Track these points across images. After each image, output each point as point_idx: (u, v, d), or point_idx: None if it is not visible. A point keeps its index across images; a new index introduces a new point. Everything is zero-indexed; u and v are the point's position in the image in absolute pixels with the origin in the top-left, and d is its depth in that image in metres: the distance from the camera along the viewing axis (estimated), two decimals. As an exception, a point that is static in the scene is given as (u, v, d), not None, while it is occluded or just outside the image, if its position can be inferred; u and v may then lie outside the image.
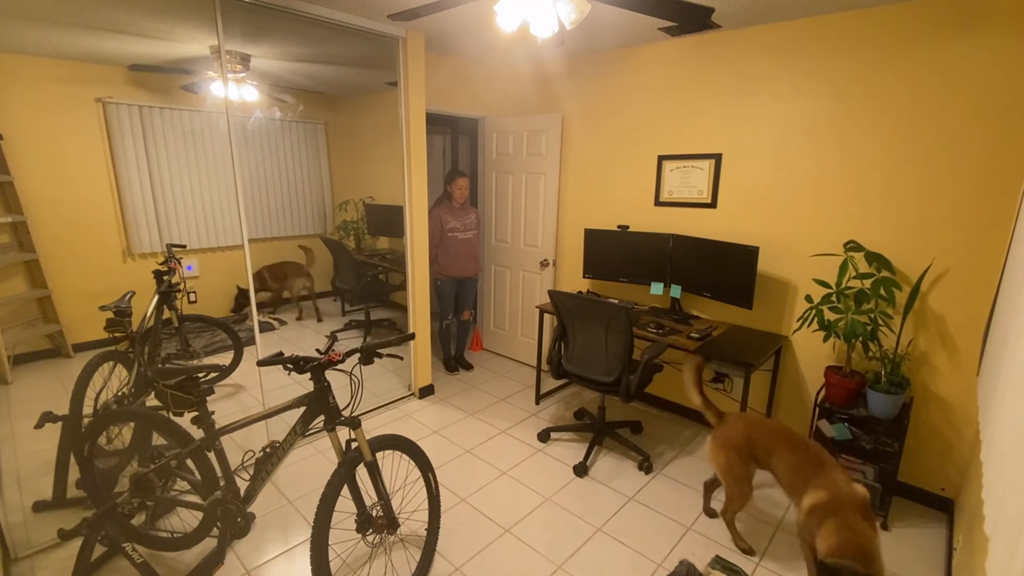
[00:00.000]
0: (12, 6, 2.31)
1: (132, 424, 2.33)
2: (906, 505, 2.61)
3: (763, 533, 2.39)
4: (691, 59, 3.09)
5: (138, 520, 2.13)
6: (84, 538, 1.89)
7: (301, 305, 4.30)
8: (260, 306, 3.21)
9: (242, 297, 2.45)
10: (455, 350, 4.26)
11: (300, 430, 1.92)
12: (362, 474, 1.97)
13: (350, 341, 4.27)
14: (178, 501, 2.08)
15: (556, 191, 3.89)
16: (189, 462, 1.98)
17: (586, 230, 3.54)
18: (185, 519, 2.28)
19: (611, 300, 2.84)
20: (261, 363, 1.83)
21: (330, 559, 1.76)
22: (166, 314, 2.73)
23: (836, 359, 2.78)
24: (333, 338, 3.54)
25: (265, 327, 3.93)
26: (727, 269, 2.91)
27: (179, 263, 2.85)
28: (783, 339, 2.92)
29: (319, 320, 4.35)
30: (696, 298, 3.31)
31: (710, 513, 2.49)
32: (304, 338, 4.13)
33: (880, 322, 2.45)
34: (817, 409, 2.58)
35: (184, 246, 3.08)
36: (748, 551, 2.25)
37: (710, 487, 2.52)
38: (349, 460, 1.83)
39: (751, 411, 2.30)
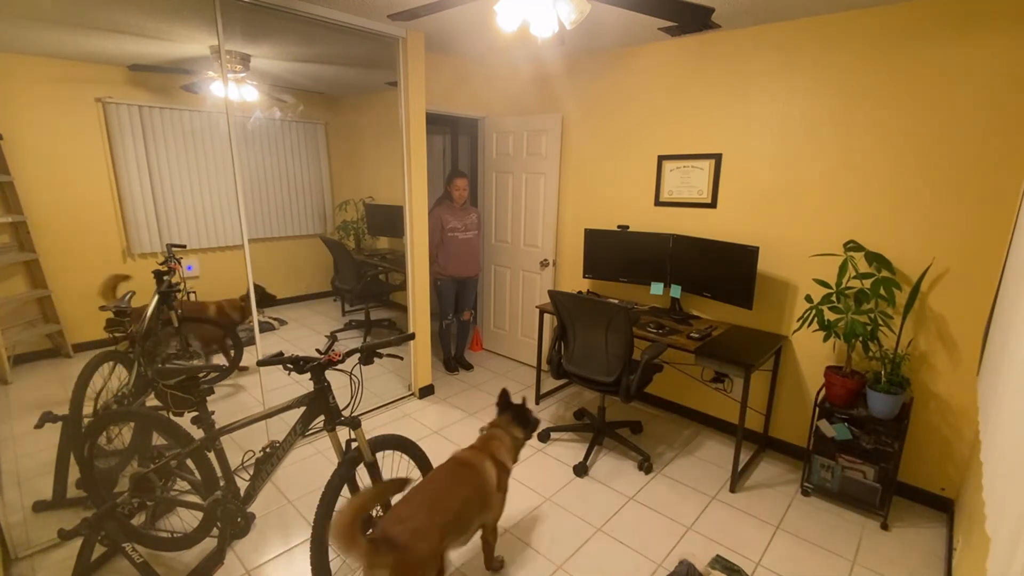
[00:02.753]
0: (12, 6, 2.31)
1: (132, 424, 2.33)
2: (906, 505, 2.61)
3: (763, 533, 2.39)
4: (691, 59, 3.09)
5: (138, 520, 2.13)
6: (84, 538, 1.89)
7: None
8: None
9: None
10: (455, 350, 4.26)
11: (300, 430, 1.92)
12: (362, 474, 1.97)
13: (350, 341, 4.27)
14: (178, 501, 2.08)
15: (556, 191, 3.89)
16: (189, 462, 1.98)
17: (586, 230, 3.54)
18: (185, 519, 2.28)
19: (611, 300, 2.84)
20: (261, 363, 1.83)
21: (330, 559, 1.76)
22: (166, 314, 2.73)
23: (836, 359, 2.78)
24: (333, 338, 3.54)
25: (265, 327, 3.93)
26: (727, 269, 2.91)
27: (179, 263, 2.85)
28: (783, 339, 2.92)
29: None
30: (696, 298, 3.31)
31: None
32: (304, 338, 4.13)
33: (880, 322, 2.45)
34: (817, 409, 2.58)
35: (184, 246, 3.08)
36: None
37: None
38: (349, 460, 1.83)
39: (405, 498, 1.69)
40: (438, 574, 1.63)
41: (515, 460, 2.09)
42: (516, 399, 2.24)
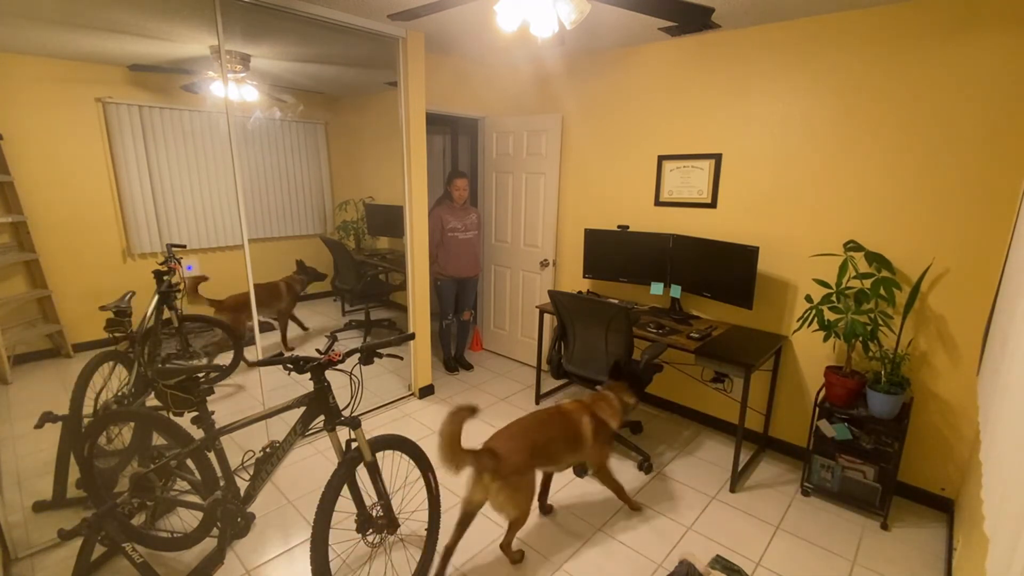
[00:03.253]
0: (12, 6, 2.31)
1: (132, 424, 2.33)
2: (906, 505, 2.61)
3: (763, 533, 2.39)
4: (691, 59, 3.09)
5: (138, 520, 2.13)
6: (84, 538, 1.89)
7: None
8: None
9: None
10: (455, 350, 4.26)
11: (300, 430, 1.92)
12: (362, 474, 1.96)
13: (350, 341, 4.27)
14: (178, 501, 2.08)
15: (556, 191, 3.89)
16: (189, 462, 1.98)
17: (586, 230, 3.54)
18: (185, 519, 2.28)
19: (611, 300, 2.84)
20: (261, 363, 1.83)
21: (330, 559, 1.76)
22: (166, 314, 2.73)
23: (836, 359, 2.78)
24: (333, 338, 3.53)
25: (265, 327, 3.93)
26: (727, 269, 2.91)
27: (179, 263, 2.85)
28: (783, 339, 2.92)
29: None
30: (696, 298, 3.31)
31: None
32: (304, 338, 4.13)
33: (880, 322, 2.45)
34: (817, 409, 2.58)
35: (184, 246, 3.08)
36: (521, 558, 2.20)
37: (452, 549, 2.11)
38: (349, 460, 1.83)
39: (504, 427, 2.18)
40: (530, 483, 2.09)
41: (620, 422, 2.39)
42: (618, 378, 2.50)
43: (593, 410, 2.34)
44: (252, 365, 1.84)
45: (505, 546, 2.19)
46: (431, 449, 3.04)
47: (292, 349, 3.94)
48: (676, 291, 3.21)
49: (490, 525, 2.40)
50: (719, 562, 2.18)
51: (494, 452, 2.00)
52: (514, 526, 2.13)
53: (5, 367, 2.48)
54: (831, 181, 2.68)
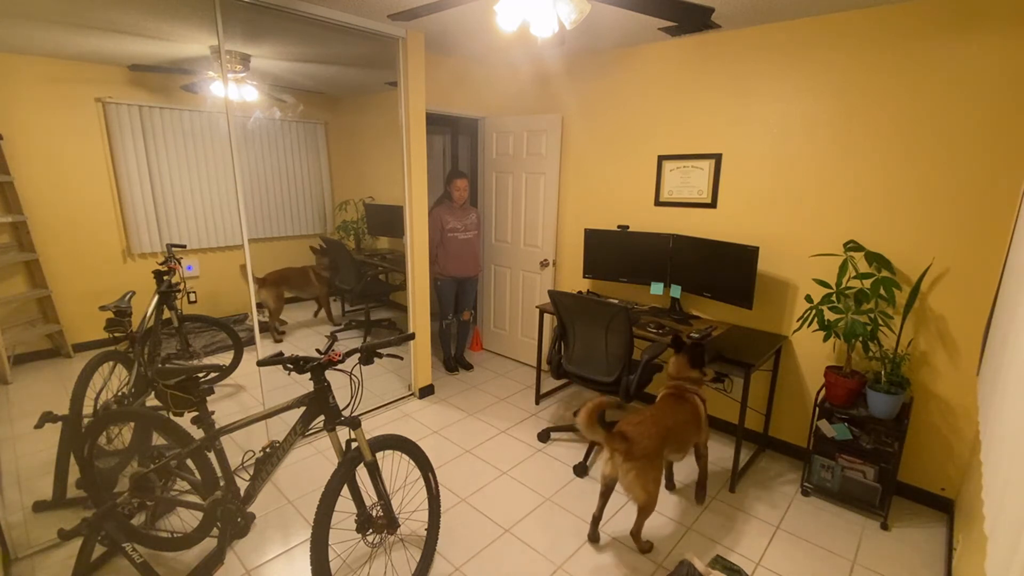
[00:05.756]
0: (12, 6, 2.31)
1: (132, 424, 2.33)
2: (906, 505, 2.61)
3: (763, 533, 2.39)
4: (691, 59, 3.09)
5: (138, 520, 2.13)
6: (84, 538, 1.90)
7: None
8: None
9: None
10: (455, 350, 4.26)
11: (300, 430, 1.92)
12: (362, 474, 1.97)
13: (350, 341, 4.27)
14: (178, 501, 2.08)
15: (556, 191, 3.89)
16: (189, 462, 1.98)
17: (586, 230, 3.54)
18: (185, 519, 2.28)
19: (611, 300, 2.84)
20: (261, 363, 1.83)
21: (330, 559, 1.76)
22: (166, 314, 2.74)
23: (836, 359, 2.78)
24: (333, 338, 3.53)
25: (265, 327, 3.93)
26: (727, 269, 2.91)
27: (179, 263, 2.85)
28: (783, 339, 2.92)
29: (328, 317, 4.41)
30: (696, 298, 3.31)
31: (596, 538, 2.32)
32: (304, 338, 4.13)
33: (880, 322, 2.45)
34: (817, 409, 2.58)
35: (184, 246, 3.08)
36: (650, 548, 2.27)
37: (599, 517, 2.30)
38: (349, 460, 1.83)
39: (635, 413, 2.30)
40: (659, 469, 2.18)
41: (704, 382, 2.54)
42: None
43: (696, 390, 2.45)
44: (259, 364, 1.84)
45: (634, 534, 2.24)
46: (431, 449, 3.04)
47: (338, 326, 4.41)
48: (676, 291, 3.21)
49: (489, 524, 2.40)
50: (719, 562, 2.18)
51: (625, 435, 2.12)
52: (642, 512, 2.19)
53: (5, 367, 2.48)
54: (831, 181, 2.68)
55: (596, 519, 2.31)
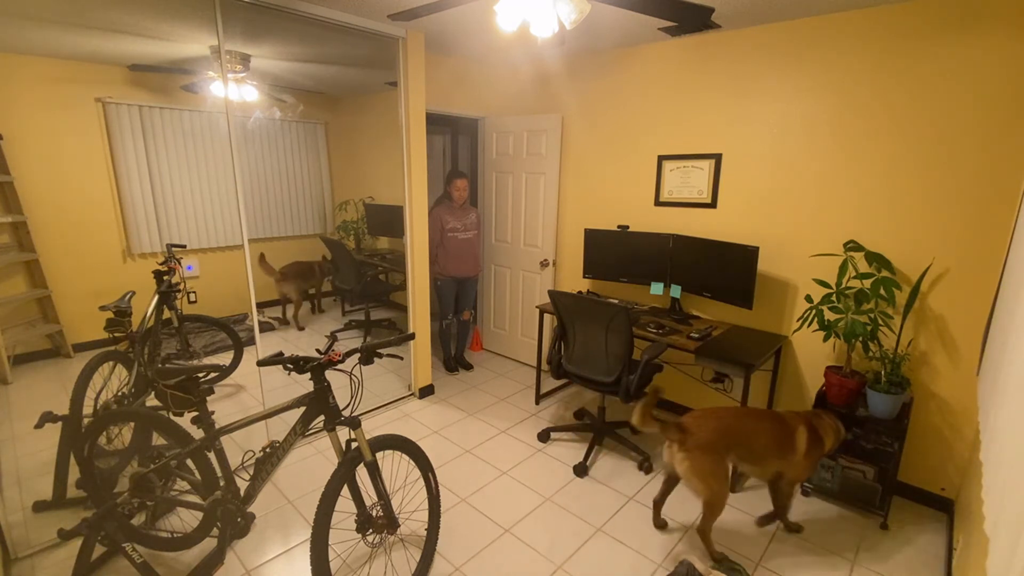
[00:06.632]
0: (12, 6, 2.31)
1: (132, 424, 2.33)
2: (906, 505, 2.61)
3: (763, 533, 2.39)
4: (691, 59, 3.09)
5: (138, 520, 2.13)
6: (84, 538, 1.89)
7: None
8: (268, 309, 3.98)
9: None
10: (455, 350, 4.26)
11: (300, 430, 1.92)
12: (362, 474, 1.97)
13: (350, 341, 4.27)
14: (178, 501, 2.08)
15: (556, 191, 3.89)
16: (189, 462, 1.98)
17: (586, 230, 3.54)
18: (185, 519, 2.28)
19: (611, 300, 2.84)
20: (261, 363, 1.83)
21: (330, 559, 1.76)
22: (166, 314, 2.73)
23: (836, 359, 2.78)
24: (333, 338, 3.53)
25: (265, 327, 3.93)
26: (727, 269, 2.91)
27: (179, 263, 2.85)
28: (783, 339, 2.92)
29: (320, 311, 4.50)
30: (696, 298, 3.31)
31: (661, 524, 2.42)
32: (304, 338, 4.13)
33: (880, 322, 2.45)
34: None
35: (184, 246, 3.08)
36: (722, 558, 2.19)
37: (660, 502, 2.41)
38: (349, 460, 1.83)
39: (706, 408, 2.31)
40: (719, 466, 2.10)
41: (831, 447, 2.31)
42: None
43: (812, 424, 2.27)
44: (259, 364, 1.84)
45: (701, 532, 2.17)
46: (431, 449, 3.04)
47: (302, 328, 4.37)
48: (676, 291, 3.21)
49: (489, 524, 2.40)
50: (720, 561, 2.17)
51: (682, 425, 2.13)
52: (707, 509, 2.13)
53: (5, 367, 2.48)
54: (831, 181, 2.68)
55: (656, 504, 2.38)
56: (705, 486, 2.09)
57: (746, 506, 2.58)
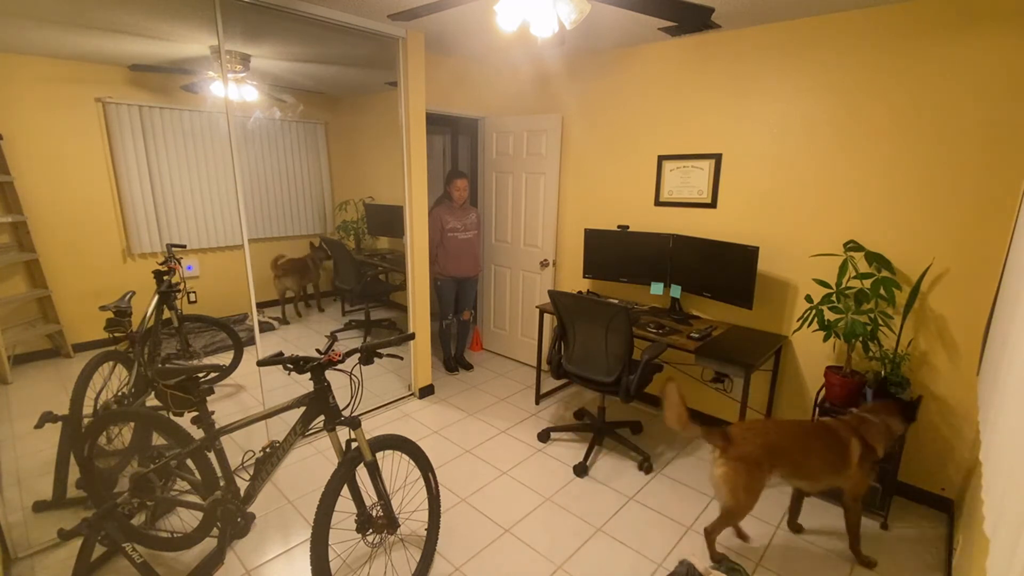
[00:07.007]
0: (12, 6, 2.31)
1: (132, 424, 2.33)
2: (906, 505, 2.61)
3: (763, 533, 2.39)
4: (691, 59, 3.09)
5: (138, 520, 2.13)
6: (84, 538, 1.89)
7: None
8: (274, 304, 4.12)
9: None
10: (455, 350, 4.26)
11: (300, 430, 1.92)
12: (362, 474, 1.97)
13: (350, 341, 4.27)
14: (178, 501, 2.08)
15: (556, 191, 3.89)
16: (189, 462, 1.98)
17: (586, 230, 3.54)
18: (185, 519, 2.28)
19: (611, 300, 2.84)
20: (261, 363, 1.83)
21: (330, 559, 1.76)
22: (166, 314, 2.73)
23: (836, 359, 2.78)
24: (333, 338, 3.53)
25: (265, 327, 3.93)
26: (727, 269, 2.91)
27: (179, 263, 2.85)
28: (783, 339, 2.92)
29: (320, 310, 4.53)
30: (696, 298, 3.31)
31: (796, 528, 2.41)
32: (304, 338, 4.13)
33: (880, 322, 2.45)
34: (817, 409, 2.58)
35: (184, 246, 3.08)
36: (722, 558, 2.17)
37: (794, 511, 2.41)
38: (349, 460, 1.83)
39: (755, 419, 2.28)
40: (756, 479, 2.03)
41: (885, 449, 2.18)
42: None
43: (861, 432, 2.16)
44: (259, 364, 1.84)
45: (708, 531, 2.17)
46: (431, 449, 3.04)
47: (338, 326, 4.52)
48: (676, 291, 3.21)
49: (489, 524, 2.40)
50: (719, 562, 2.17)
51: (727, 434, 2.07)
52: (724, 515, 2.11)
53: (5, 367, 2.48)
54: (831, 181, 2.68)
55: (791, 510, 2.41)
56: (732, 497, 2.05)
57: (756, 511, 2.57)
